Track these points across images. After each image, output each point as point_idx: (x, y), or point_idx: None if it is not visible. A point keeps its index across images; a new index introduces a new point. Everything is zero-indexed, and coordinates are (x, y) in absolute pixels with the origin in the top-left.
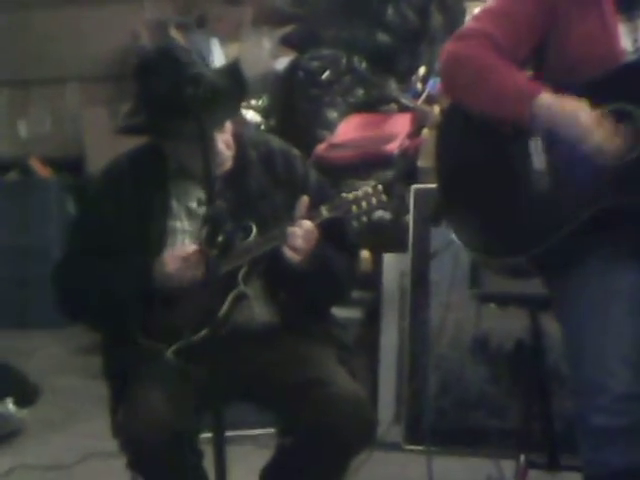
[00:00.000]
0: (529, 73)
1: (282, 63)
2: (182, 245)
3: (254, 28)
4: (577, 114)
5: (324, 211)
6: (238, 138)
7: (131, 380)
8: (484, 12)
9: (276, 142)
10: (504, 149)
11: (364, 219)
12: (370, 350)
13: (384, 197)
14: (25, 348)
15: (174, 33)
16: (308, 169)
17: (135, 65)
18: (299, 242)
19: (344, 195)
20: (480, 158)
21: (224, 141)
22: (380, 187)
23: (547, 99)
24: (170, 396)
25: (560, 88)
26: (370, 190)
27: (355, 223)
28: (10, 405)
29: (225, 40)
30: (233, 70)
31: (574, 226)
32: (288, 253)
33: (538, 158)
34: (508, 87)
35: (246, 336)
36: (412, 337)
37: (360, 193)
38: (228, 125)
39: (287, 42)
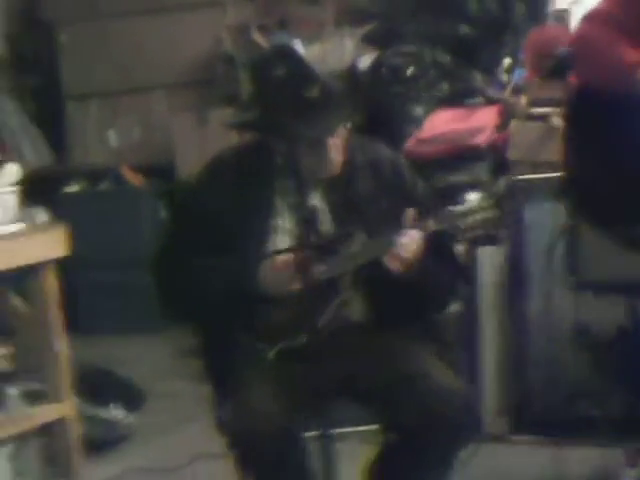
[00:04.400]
0: None
1: (365, 61)
2: (284, 245)
3: (336, 27)
4: None
5: (431, 223)
6: (347, 143)
7: (234, 378)
8: None
9: (383, 149)
10: (631, 122)
11: (470, 234)
12: (470, 343)
13: (493, 213)
14: (126, 354)
15: (256, 36)
16: (415, 178)
17: (254, 60)
18: (403, 252)
19: (452, 208)
20: (609, 133)
21: (335, 146)
22: (489, 202)
23: None
24: (275, 393)
25: None
26: (479, 205)
27: (461, 237)
28: (117, 411)
29: (307, 41)
30: (349, 76)
31: None
32: (391, 263)
33: None
34: (619, 67)
35: (343, 334)
36: (512, 329)
37: (469, 207)
38: (340, 130)
39: (369, 40)
